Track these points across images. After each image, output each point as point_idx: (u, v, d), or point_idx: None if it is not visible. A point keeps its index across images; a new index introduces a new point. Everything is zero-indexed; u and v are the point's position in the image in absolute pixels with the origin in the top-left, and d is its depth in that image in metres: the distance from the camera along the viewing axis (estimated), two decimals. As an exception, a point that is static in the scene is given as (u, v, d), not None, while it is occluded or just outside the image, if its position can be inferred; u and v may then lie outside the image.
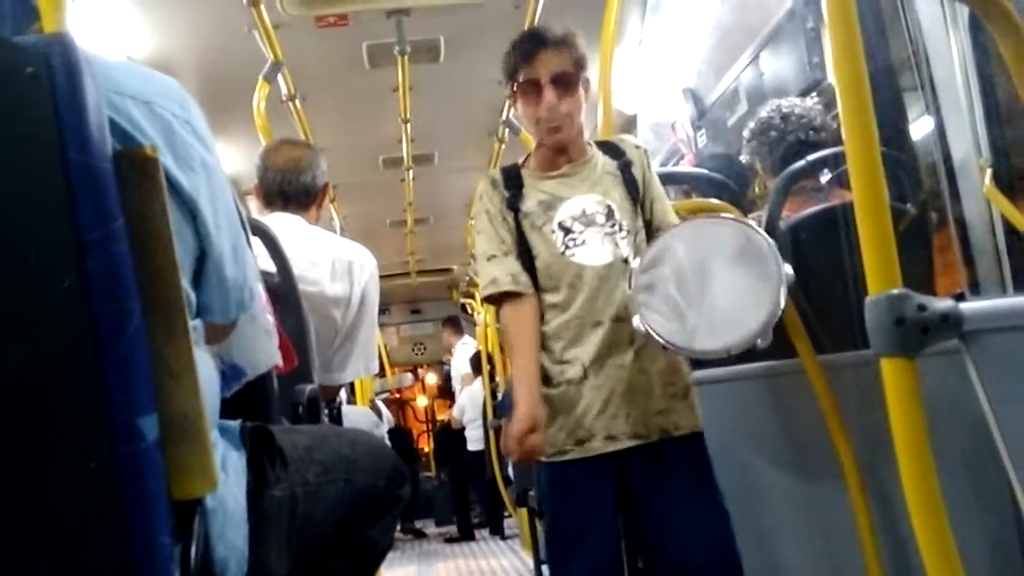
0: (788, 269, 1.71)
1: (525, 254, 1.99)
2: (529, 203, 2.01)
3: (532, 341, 1.94)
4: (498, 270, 1.97)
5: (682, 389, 1.96)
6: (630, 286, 1.79)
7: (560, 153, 2.04)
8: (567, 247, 1.96)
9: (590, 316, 1.94)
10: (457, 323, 8.78)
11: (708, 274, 1.75)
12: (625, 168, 2.05)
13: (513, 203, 2.01)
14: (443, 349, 8.95)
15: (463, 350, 8.34)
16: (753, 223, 1.79)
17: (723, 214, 1.78)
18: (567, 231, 1.97)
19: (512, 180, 2.04)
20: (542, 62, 1.97)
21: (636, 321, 1.78)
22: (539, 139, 2.05)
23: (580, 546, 1.94)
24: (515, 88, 2.01)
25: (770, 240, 1.73)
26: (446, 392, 9.27)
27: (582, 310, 1.95)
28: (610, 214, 1.98)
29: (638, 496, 1.93)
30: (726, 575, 1.90)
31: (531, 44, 1.98)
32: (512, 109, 2.11)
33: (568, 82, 1.97)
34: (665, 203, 2.07)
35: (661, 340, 1.74)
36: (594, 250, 1.96)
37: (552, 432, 1.95)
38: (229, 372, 1.39)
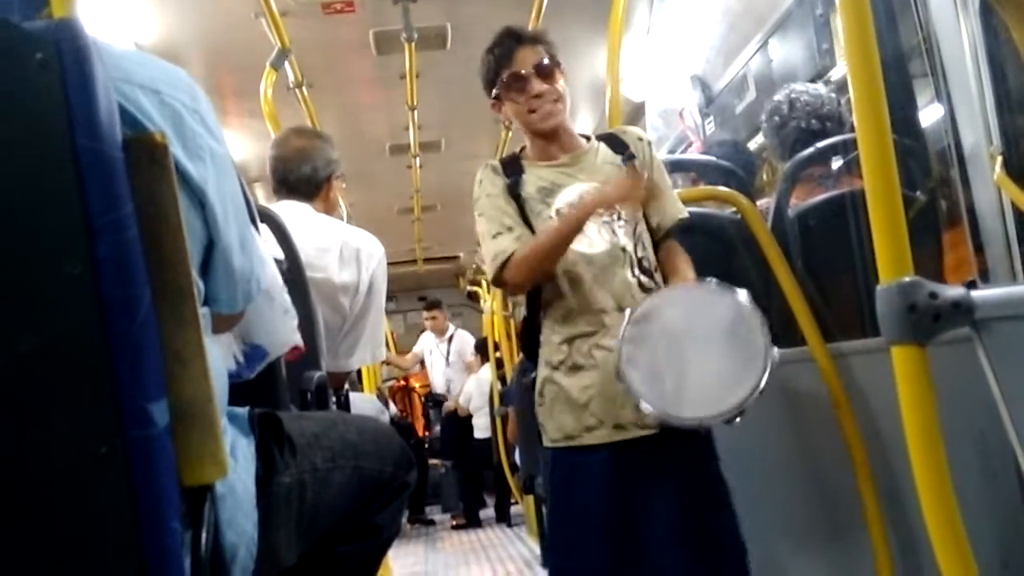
0: (776, 353, 1.70)
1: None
2: (529, 189, 2.02)
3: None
4: (504, 242, 1.97)
5: None
6: (620, 333, 1.77)
7: (553, 142, 2.06)
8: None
9: (590, 304, 1.95)
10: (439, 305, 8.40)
11: (695, 343, 1.74)
12: (626, 159, 2.05)
13: (514, 189, 2.02)
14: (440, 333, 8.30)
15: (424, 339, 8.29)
16: (749, 299, 1.76)
17: (722, 284, 1.77)
18: None
19: (512, 167, 2.06)
20: (521, 56, 2.02)
21: (615, 369, 1.77)
22: (532, 131, 2.06)
23: (581, 535, 1.95)
24: (499, 88, 2.04)
25: (764, 321, 1.72)
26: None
27: (580, 298, 1.96)
28: None
29: (641, 484, 1.93)
30: (733, 565, 1.91)
31: (508, 43, 2.04)
32: (499, 114, 2.12)
33: (549, 72, 2.01)
34: (668, 197, 2.06)
35: (636, 396, 1.73)
36: (591, 239, 1.96)
37: (559, 417, 1.96)
38: (251, 353, 1.40)
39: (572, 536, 1.98)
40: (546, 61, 2.01)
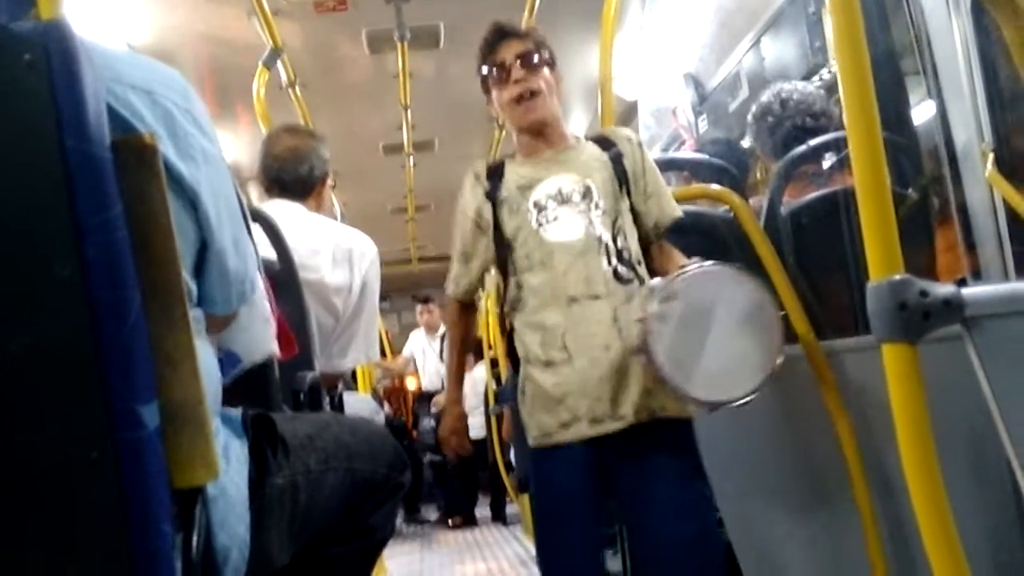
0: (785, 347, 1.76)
1: (501, 245, 2.05)
2: (507, 190, 2.06)
3: (459, 345, 2.23)
4: (455, 273, 2.15)
5: None
6: (644, 310, 1.78)
7: (539, 137, 2.08)
8: (540, 224, 2.00)
9: (564, 293, 1.97)
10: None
11: (717, 325, 1.76)
12: (616, 159, 2.07)
13: (492, 193, 2.07)
14: (432, 329, 7.87)
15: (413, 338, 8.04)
16: (767, 293, 1.80)
17: (744, 270, 1.81)
18: (541, 209, 2.01)
19: (494, 171, 2.10)
20: (505, 47, 2.06)
21: (638, 341, 1.78)
22: (515, 123, 2.09)
23: (562, 530, 1.99)
24: (486, 78, 2.09)
25: (779, 313, 1.78)
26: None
27: (555, 287, 1.98)
28: (587, 193, 2.01)
29: (619, 478, 1.96)
30: (703, 561, 1.92)
31: (495, 35, 2.09)
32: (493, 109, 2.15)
33: (533, 61, 2.04)
34: (663, 196, 2.09)
35: (662, 372, 1.74)
36: (566, 227, 1.99)
37: (538, 415, 1.98)
38: (225, 360, 1.39)
39: (557, 534, 2.00)
40: (531, 49, 2.04)
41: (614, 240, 1.99)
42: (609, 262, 1.97)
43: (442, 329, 7.80)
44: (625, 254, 1.99)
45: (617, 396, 1.92)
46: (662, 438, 1.94)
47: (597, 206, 1.99)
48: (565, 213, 1.99)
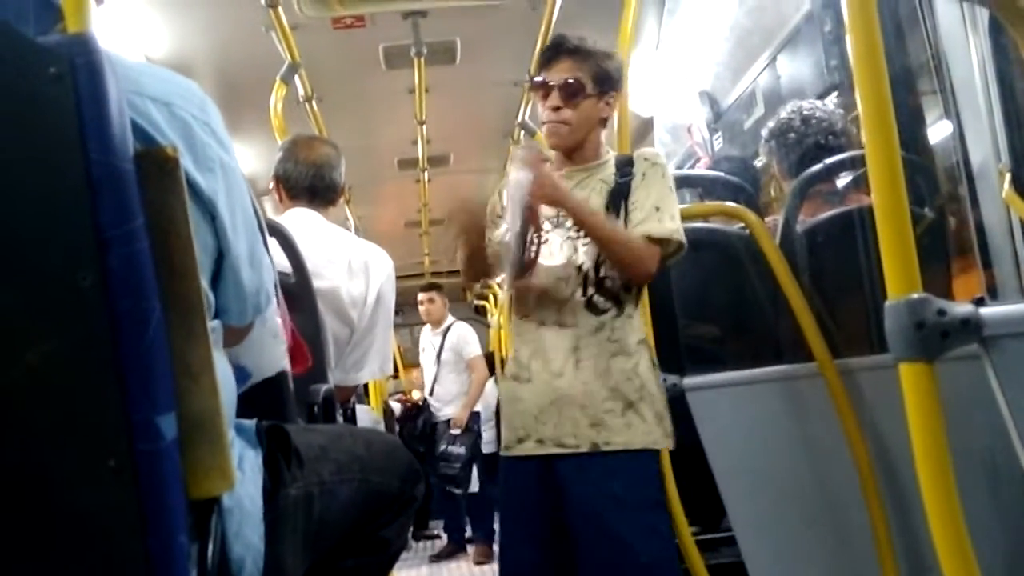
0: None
1: None
2: None
3: None
4: None
5: (622, 405, 1.95)
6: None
7: (566, 155, 2.10)
8: (534, 244, 1.99)
9: (537, 316, 2.00)
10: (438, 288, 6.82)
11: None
12: (623, 182, 2.04)
13: None
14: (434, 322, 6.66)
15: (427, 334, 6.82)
16: None
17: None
18: (539, 230, 2.01)
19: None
20: (555, 67, 2.02)
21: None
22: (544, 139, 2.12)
23: (512, 538, 2.11)
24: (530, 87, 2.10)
25: None
26: None
27: (530, 309, 2.02)
28: None
29: (562, 503, 1.98)
30: None
31: (552, 48, 2.05)
32: (528, 110, 2.19)
33: (573, 91, 2.00)
34: (643, 215, 1.98)
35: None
36: (551, 251, 2.00)
37: (503, 426, 2.07)
38: (235, 374, 1.39)
39: (504, 542, 2.20)
40: (577, 78, 1.99)
41: (596, 269, 1.98)
42: (585, 292, 1.98)
43: (448, 321, 6.78)
44: (608, 283, 1.98)
45: (560, 423, 1.97)
46: (608, 470, 1.95)
47: (585, 234, 1.98)
48: (555, 238, 2.01)
